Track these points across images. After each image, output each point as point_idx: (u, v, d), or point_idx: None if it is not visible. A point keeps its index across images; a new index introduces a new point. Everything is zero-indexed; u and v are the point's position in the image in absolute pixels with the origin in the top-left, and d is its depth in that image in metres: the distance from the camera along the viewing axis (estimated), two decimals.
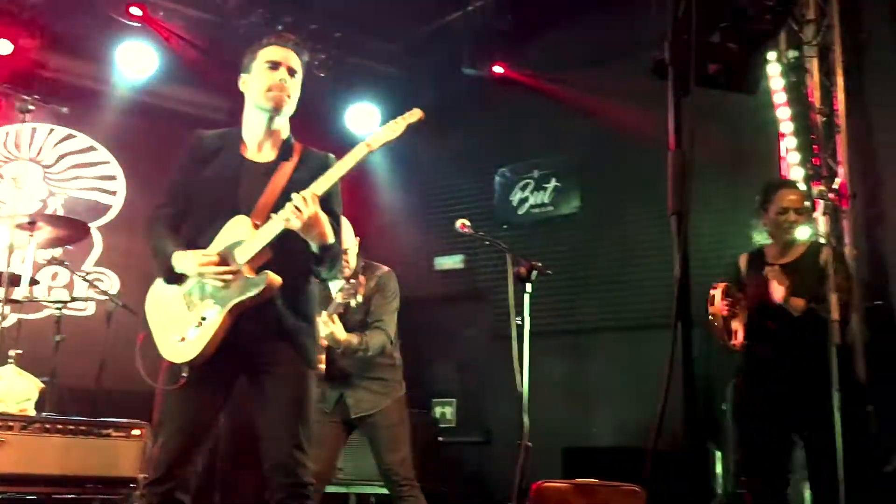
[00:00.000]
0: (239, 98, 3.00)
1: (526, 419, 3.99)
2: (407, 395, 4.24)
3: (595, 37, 6.53)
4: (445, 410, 6.53)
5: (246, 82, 2.95)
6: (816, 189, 4.95)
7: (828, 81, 5.36)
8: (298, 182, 2.78)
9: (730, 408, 4.45)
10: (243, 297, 2.70)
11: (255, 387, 2.84)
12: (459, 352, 7.00)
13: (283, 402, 2.79)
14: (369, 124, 7.24)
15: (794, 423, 3.87)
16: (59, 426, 4.41)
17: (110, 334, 5.17)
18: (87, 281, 5.46)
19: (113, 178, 7.10)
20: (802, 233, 4.12)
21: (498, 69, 7.13)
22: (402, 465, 4.04)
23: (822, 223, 4.80)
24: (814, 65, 5.36)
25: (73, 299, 5.54)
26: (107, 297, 5.31)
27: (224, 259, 2.73)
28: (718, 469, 5.02)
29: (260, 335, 2.78)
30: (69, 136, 6.96)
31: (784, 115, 5.20)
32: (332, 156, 2.90)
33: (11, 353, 4.73)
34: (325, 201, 2.76)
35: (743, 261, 4.16)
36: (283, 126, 2.97)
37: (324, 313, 3.90)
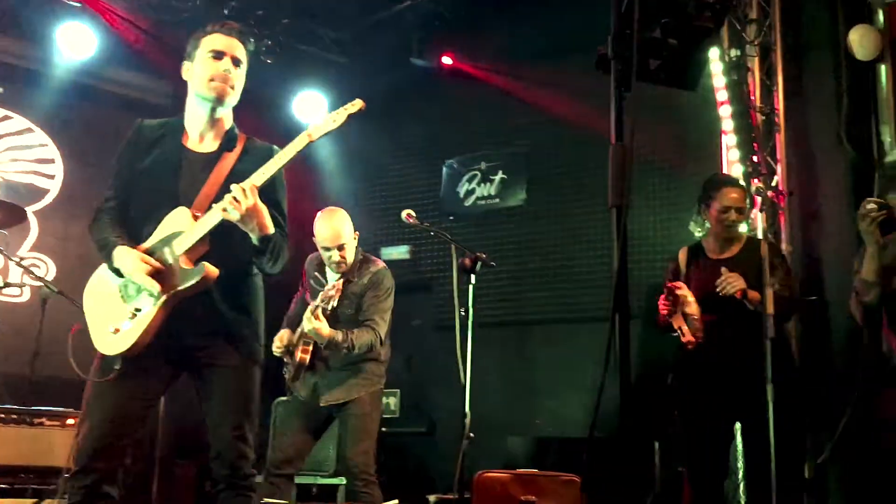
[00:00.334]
0: (182, 83, 2.93)
1: (468, 410, 4.01)
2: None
3: (545, 30, 6.55)
4: (389, 401, 6.51)
5: (189, 70, 2.88)
6: (755, 185, 5.07)
7: (768, 81, 5.48)
8: (241, 173, 2.74)
9: (669, 398, 4.51)
10: (177, 289, 2.66)
11: (198, 380, 2.82)
12: (404, 342, 6.99)
13: (225, 395, 2.77)
14: (317, 112, 7.15)
15: (732, 413, 3.94)
16: None
17: (45, 321, 5.05)
18: (22, 266, 5.32)
19: (51, 161, 6.92)
20: (740, 228, 4.20)
21: (447, 60, 7.13)
22: (363, 457, 4.03)
23: (760, 219, 4.90)
24: (755, 64, 5.48)
25: (7, 285, 5.38)
26: (42, 284, 5.18)
27: (161, 260, 2.69)
28: (657, 459, 5.10)
29: (195, 328, 2.75)
30: (5, 118, 6.75)
31: (726, 113, 5.29)
32: (275, 147, 2.85)
33: None
34: (268, 192, 2.74)
35: (683, 255, 4.23)
36: (226, 116, 2.91)
37: (308, 308, 3.89)
